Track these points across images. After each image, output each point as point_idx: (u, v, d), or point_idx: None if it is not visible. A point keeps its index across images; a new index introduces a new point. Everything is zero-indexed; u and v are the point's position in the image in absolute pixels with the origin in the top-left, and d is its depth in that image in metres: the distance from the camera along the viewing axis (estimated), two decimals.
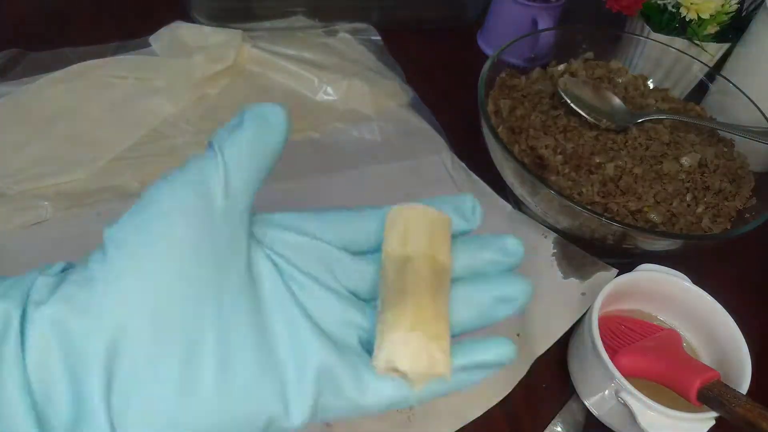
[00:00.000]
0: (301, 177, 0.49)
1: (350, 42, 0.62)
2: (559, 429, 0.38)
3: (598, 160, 0.45)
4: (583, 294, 0.43)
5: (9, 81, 0.51)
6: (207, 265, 0.21)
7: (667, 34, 0.55)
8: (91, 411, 0.19)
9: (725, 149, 0.49)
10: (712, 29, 0.55)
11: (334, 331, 0.23)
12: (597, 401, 0.37)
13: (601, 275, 0.44)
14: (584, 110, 0.48)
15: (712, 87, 0.53)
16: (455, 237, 0.25)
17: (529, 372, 0.39)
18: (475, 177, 0.51)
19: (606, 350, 0.35)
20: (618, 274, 0.42)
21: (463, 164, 0.52)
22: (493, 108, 0.50)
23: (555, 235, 0.46)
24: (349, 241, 0.25)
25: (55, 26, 0.58)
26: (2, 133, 0.47)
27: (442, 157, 0.53)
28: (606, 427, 0.38)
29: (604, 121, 0.48)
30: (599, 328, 0.36)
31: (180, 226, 0.20)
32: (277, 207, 0.47)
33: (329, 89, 0.56)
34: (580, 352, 0.38)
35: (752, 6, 0.55)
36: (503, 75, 0.52)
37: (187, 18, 0.59)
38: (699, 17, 0.53)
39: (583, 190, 0.43)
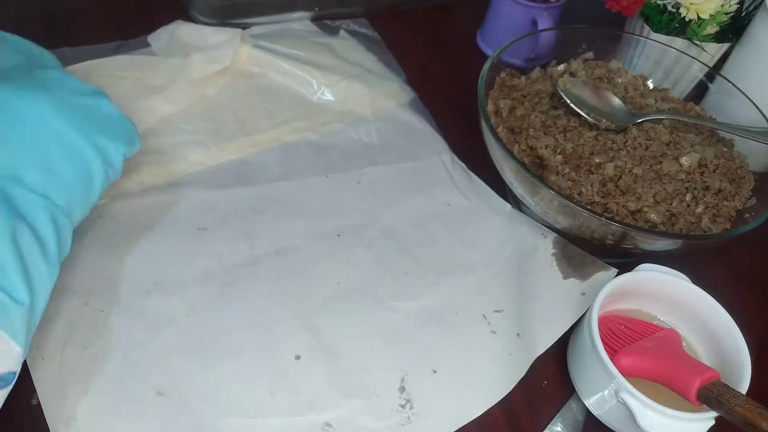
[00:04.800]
0: (299, 177, 0.49)
1: (351, 42, 0.62)
2: (559, 429, 0.38)
3: (597, 160, 0.45)
4: (583, 294, 0.43)
5: None
6: None
7: (666, 34, 0.56)
8: None
9: (725, 149, 0.49)
10: (711, 29, 0.55)
11: None
12: (597, 401, 0.37)
13: (600, 275, 0.44)
14: (584, 110, 0.48)
15: (712, 87, 0.53)
16: None
17: (529, 372, 0.39)
18: (475, 177, 0.51)
19: (606, 350, 0.35)
20: (618, 274, 0.42)
21: (463, 164, 0.52)
22: (492, 108, 0.50)
23: (555, 235, 0.46)
24: None
25: (55, 26, 0.58)
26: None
27: (441, 158, 0.53)
28: (606, 426, 0.38)
29: (604, 121, 0.48)
30: (599, 327, 0.36)
31: None
32: (275, 206, 0.47)
33: (327, 91, 0.56)
34: (580, 352, 0.38)
35: (752, 6, 0.55)
36: (503, 75, 0.52)
37: (187, 16, 0.59)
38: (699, 17, 0.53)
39: (583, 190, 0.44)
